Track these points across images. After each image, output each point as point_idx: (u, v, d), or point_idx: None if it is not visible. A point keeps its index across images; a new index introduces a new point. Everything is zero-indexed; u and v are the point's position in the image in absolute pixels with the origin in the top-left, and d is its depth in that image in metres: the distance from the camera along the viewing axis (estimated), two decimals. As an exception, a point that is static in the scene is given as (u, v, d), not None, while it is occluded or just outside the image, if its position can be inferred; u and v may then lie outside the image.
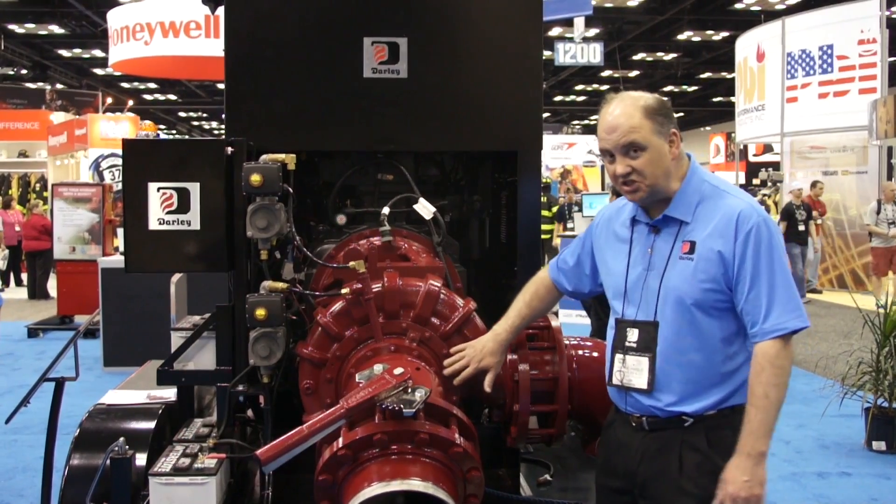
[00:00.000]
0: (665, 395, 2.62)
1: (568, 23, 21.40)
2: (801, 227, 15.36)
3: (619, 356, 2.73)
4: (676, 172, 2.67)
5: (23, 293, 16.72)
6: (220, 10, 3.65)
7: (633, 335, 2.70)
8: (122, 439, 3.12)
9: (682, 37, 27.92)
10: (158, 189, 3.19)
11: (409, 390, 2.56)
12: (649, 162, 2.60)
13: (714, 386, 2.59)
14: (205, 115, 46.49)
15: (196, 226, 3.20)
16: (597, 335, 8.06)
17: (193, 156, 3.25)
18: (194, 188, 3.20)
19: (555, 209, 17.98)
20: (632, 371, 2.69)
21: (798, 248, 15.23)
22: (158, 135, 23.72)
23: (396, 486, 2.44)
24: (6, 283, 18.24)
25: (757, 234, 2.52)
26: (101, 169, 19.53)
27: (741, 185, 26.36)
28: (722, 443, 2.55)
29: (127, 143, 3.29)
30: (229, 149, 3.25)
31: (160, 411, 3.67)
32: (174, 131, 48.69)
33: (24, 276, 17.53)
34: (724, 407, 2.59)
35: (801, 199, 15.71)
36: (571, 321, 11.64)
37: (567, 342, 3.25)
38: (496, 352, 3.01)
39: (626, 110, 2.62)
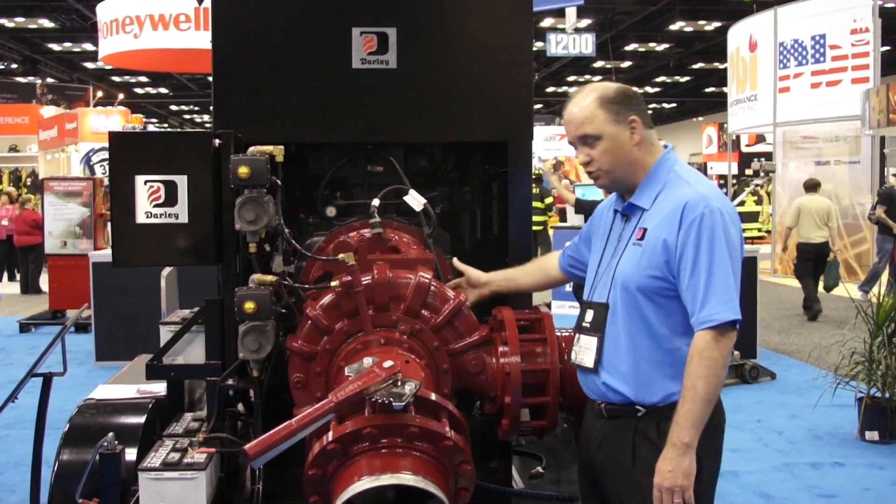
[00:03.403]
0: (614, 379, 2.65)
1: (560, 13, 21.40)
2: None
3: (577, 336, 2.80)
4: (644, 160, 2.70)
5: (15, 288, 16.65)
6: (207, 2, 3.62)
7: (589, 315, 2.77)
8: (111, 434, 3.11)
9: (674, 27, 27.89)
10: (146, 182, 3.16)
11: (399, 383, 2.54)
12: (605, 151, 2.68)
13: (665, 377, 2.60)
14: (196, 108, 46.38)
15: (184, 219, 3.18)
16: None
17: (181, 148, 3.23)
18: (182, 181, 3.17)
19: (547, 201, 17.93)
20: (583, 350, 2.75)
21: (893, 241, 13.82)
22: (146, 127, 23.62)
23: (386, 479, 2.42)
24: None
25: (700, 224, 2.52)
26: (91, 163, 19.46)
27: (734, 176, 26.45)
28: None
29: (113, 136, 3.26)
30: (217, 141, 3.22)
31: (150, 406, 3.66)
32: (166, 125, 48.54)
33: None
34: (676, 400, 2.56)
35: None
36: (564, 312, 11.64)
37: (559, 333, 3.23)
38: (479, 287, 3.31)
39: (579, 102, 2.71)
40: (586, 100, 2.69)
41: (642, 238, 2.62)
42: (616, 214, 2.81)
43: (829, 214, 12.64)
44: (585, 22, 25.30)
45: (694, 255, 2.51)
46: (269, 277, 3.12)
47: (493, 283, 3.32)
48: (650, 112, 2.83)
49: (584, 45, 20.96)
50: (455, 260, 3.44)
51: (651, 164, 2.70)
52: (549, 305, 11.96)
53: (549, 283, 3.34)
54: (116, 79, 35.86)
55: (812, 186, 13.18)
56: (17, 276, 17.04)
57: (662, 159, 2.71)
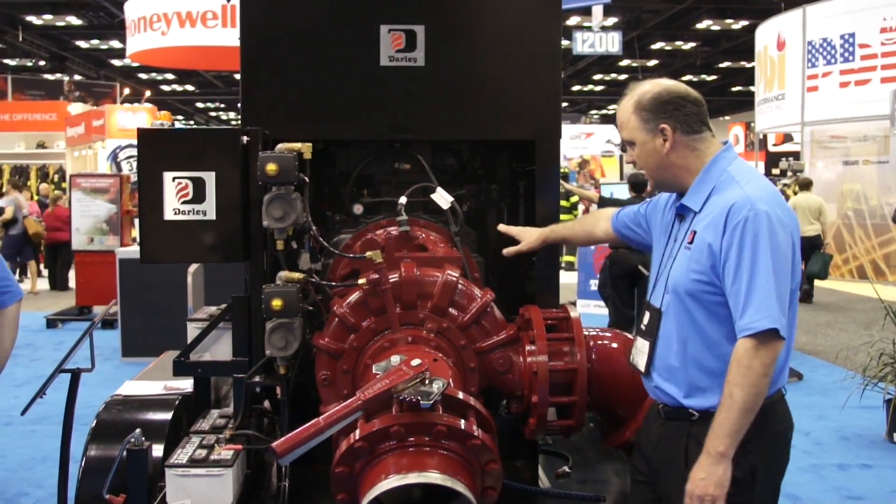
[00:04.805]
0: (669, 384, 2.62)
1: (586, 12, 21.31)
2: None
3: (637, 337, 2.80)
4: (687, 164, 2.64)
5: (43, 284, 16.78)
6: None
7: (647, 318, 2.75)
8: (138, 430, 3.12)
9: (701, 26, 27.73)
10: (174, 179, 3.17)
11: (427, 382, 2.53)
12: (639, 156, 2.71)
13: (718, 382, 2.50)
14: (222, 105, 46.58)
15: (212, 216, 3.19)
16: (615, 326, 8.01)
17: (209, 145, 3.24)
18: (210, 178, 3.18)
19: (573, 199, 17.84)
20: (639, 353, 2.75)
21: None
22: (174, 124, 23.74)
23: (413, 478, 2.41)
24: (25, 274, 18.29)
25: (743, 228, 2.44)
26: (118, 160, 19.54)
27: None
28: None
29: (142, 133, 3.27)
30: (245, 138, 3.23)
31: (177, 402, 3.67)
32: (192, 122, 48.79)
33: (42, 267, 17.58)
34: None
35: None
36: (589, 311, 11.60)
37: (586, 333, 3.22)
38: (536, 239, 3.43)
39: (622, 105, 2.72)
40: (627, 103, 2.69)
41: (692, 242, 2.57)
42: (675, 213, 2.76)
43: (821, 210, 13.87)
44: (612, 20, 25.19)
45: (736, 261, 2.44)
46: (297, 275, 3.12)
47: (547, 239, 3.43)
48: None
49: (611, 43, 20.90)
50: (501, 226, 3.56)
51: (700, 167, 2.63)
52: (574, 304, 11.94)
53: (592, 241, 3.49)
54: (143, 76, 36.09)
55: (805, 185, 14.52)
56: (45, 273, 17.17)
57: (716, 159, 2.63)
